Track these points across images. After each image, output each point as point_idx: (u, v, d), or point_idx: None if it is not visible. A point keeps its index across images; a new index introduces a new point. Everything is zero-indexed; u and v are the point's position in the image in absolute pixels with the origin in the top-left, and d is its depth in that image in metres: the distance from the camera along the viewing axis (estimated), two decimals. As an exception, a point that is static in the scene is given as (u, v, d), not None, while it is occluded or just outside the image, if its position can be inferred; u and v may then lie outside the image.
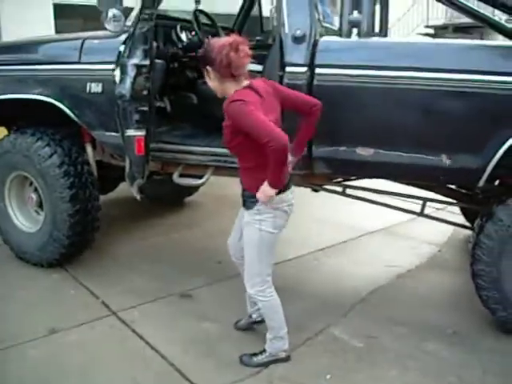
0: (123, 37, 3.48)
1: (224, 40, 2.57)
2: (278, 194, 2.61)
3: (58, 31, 6.43)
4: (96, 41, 3.74)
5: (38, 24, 6.12)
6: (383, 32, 4.23)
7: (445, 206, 4.25)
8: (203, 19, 4.52)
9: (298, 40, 3.16)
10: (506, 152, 2.88)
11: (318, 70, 3.13)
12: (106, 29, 3.46)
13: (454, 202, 3.88)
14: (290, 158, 2.67)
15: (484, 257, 3.10)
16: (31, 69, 3.93)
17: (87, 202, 3.88)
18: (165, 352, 3.05)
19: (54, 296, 3.72)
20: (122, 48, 3.43)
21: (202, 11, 4.56)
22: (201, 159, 3.68)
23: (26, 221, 4.24)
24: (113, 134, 3.64)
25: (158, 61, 3.65)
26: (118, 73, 3.42)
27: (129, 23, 3.46)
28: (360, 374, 2.89)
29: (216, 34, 4.42)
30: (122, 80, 3.41)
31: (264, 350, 2.94)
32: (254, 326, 3.24)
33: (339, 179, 3.84)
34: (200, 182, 3.70)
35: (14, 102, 3.99)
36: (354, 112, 3.12)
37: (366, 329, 3.31)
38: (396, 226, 5.20)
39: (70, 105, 3.74)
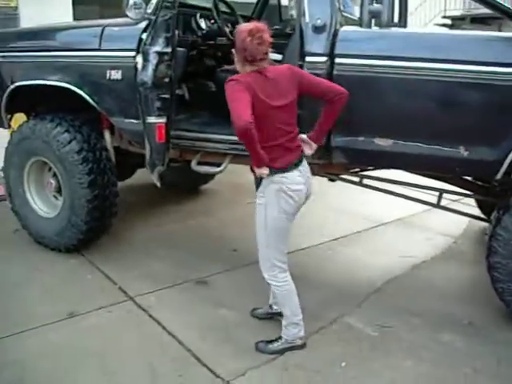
0: (143, 24, 3.51)
1: (247, 25, 2.62)
2: (277, 172, 2.64)
3: (75, 18, 6.45)
4: (116, 28, 3.75)
5: (57, 10, 6.15)
6: (402, 22, 4.22)
7: (460, 197, 4.23)
8: (222, 7, 4.51)
9: (318, 29, 3.16)
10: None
11: (337, 60, 3.13)
12: (126, 16, 3.47)
13: (471, 193, 3.87)
14: (301, 137, 2.73)
15: (500, 249, 3.09)
16: (51, 55, 3.95)
17: (105, 188, 3.92)
18: (182, 338, 3.08)
19: (72, 280, 3.76)
20: (143, 36, 3.45)
21: (221, -1, 4.56)
22: (219, 147, 3.69)
23: (44, 206, 4.28)
24: (132, 120, 3.66)
25: (179, 49, 3.65)
26: (139, 60, 3.43)
27: (149, 11, 3.46)
28: (375, 362, 2.90)
29: (235, 23, 4.42)
30: (144, 67, 3.43)
31: (280, 337, 2.96)
32: (274, 317, 3.23)
33: (356, 169, 3.85)
34: (218, 169, 3.71)
35: (33, 88, 4.03)
36: (373, 102, 3.11)
37: (380, 318, 3.31)
38: (412, 216, 5.19)
39: (89, 91, 3.77)
